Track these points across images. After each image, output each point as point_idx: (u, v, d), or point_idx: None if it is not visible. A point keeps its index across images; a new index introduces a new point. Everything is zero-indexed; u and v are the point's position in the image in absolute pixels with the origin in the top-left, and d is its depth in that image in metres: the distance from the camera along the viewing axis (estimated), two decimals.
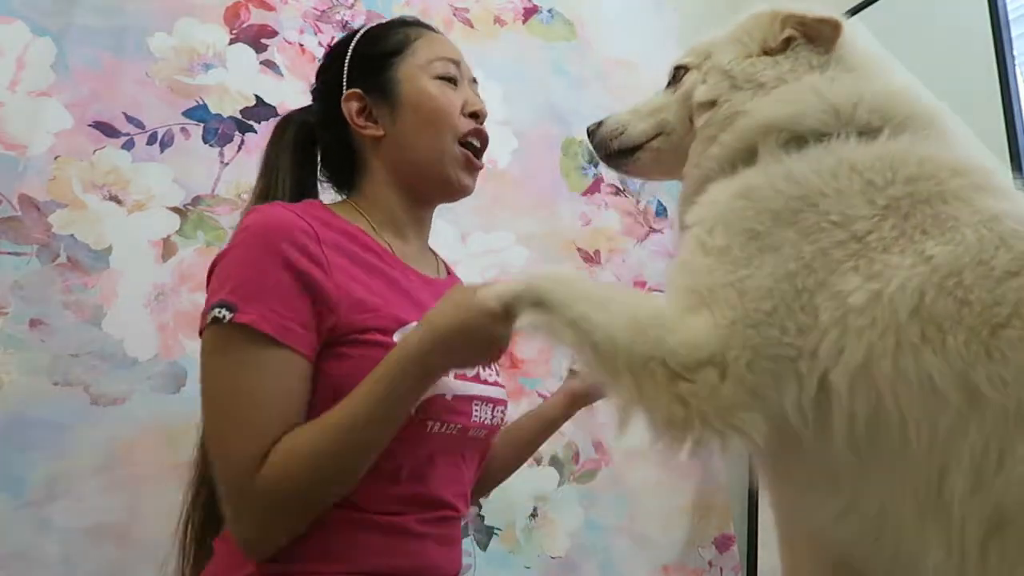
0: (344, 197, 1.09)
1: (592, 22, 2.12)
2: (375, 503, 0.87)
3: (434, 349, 0.82)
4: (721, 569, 1.82)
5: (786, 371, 0.63)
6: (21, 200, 1.33)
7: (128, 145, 1.45)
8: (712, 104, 0.85)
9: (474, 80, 1.09)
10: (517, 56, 1.96)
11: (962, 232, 0.63)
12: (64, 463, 1.25)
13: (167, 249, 1.43)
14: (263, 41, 1.64)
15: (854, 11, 1.93)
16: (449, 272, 1.16)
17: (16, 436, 1.23)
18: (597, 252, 1.92)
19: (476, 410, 0.96)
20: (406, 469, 0.90)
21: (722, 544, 1.84)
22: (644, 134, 0.95)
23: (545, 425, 1.21)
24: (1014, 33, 1.63)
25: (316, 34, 1.71)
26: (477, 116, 1.05)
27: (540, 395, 1.72)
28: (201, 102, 1.54)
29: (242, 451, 0.80)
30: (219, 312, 0.83)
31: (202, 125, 1.53)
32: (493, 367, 1.03)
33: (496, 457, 1.14)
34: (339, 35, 1.72)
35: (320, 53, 1.69)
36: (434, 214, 1.14)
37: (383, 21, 1.12)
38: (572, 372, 1.23)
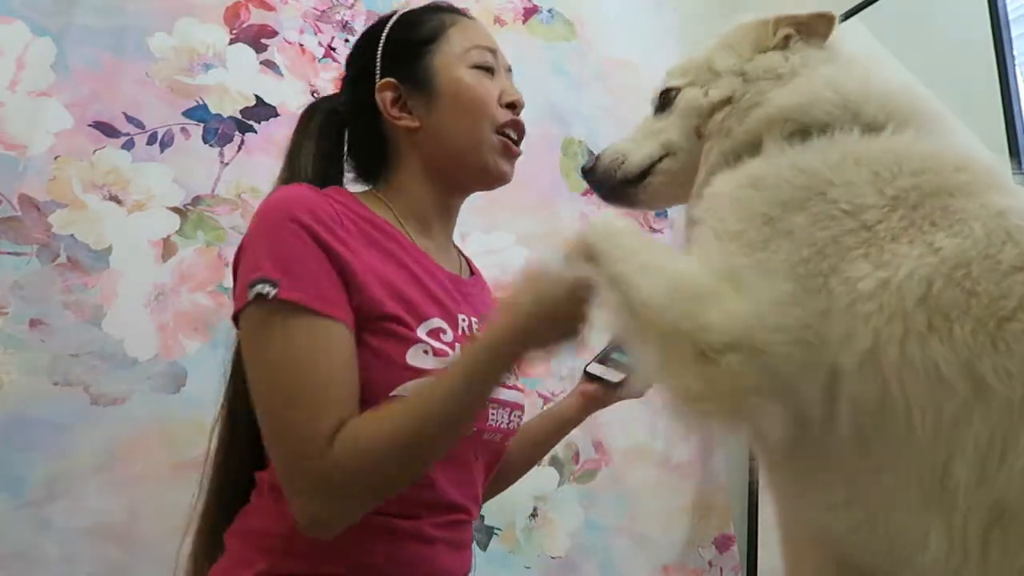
0: (370, 187, 1.06)
1: (592, 22, 2.12)
2: (389, 506, 0.85)
3: (519, 336, 0.80)
4: (721, 569, 1.82)
5: (807, 359, 0.63)
6: (21, 200, 1.33)
7: (128, 145, 1.45)
8: (729, 101, 0.84)
9: (509, 69, 1.07)
10: (517, 56, 1.94)
11: (970, 225, 0.63)
12: (64, 463, 1.26)
13: (167, 249, 1.43)
14: (263, 41, 1.64)
15: (854, 11, 1.94)
16: (473, 272, 1.13)
17: (16, 436, 1.23)
18: None
19: (493, 414, 0.95)
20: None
21: (722, 544, 1.84)
22: (649, 157, 0.90)
23: (558, 427, 1.19)
24: (1014, 33, 1.63)
25: (316, 34, 1.71)
26: (514, 106, 1.02)
27: (540, 395, 1.72)
28: (201, 102, 1.54)
29: (309, 428, 0.78)
30: (263, 288, 0.80)
31: (202, 125, 1.53)
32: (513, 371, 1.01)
33: (508, 460, 1.12)
34: (339, 35, 1.72)
35: (320, 53, 1.70)
36: None
37: (416, 6, 1.08)
38: (587, 375, 1.20)
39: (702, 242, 0.73)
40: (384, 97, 1.00)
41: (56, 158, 1.38)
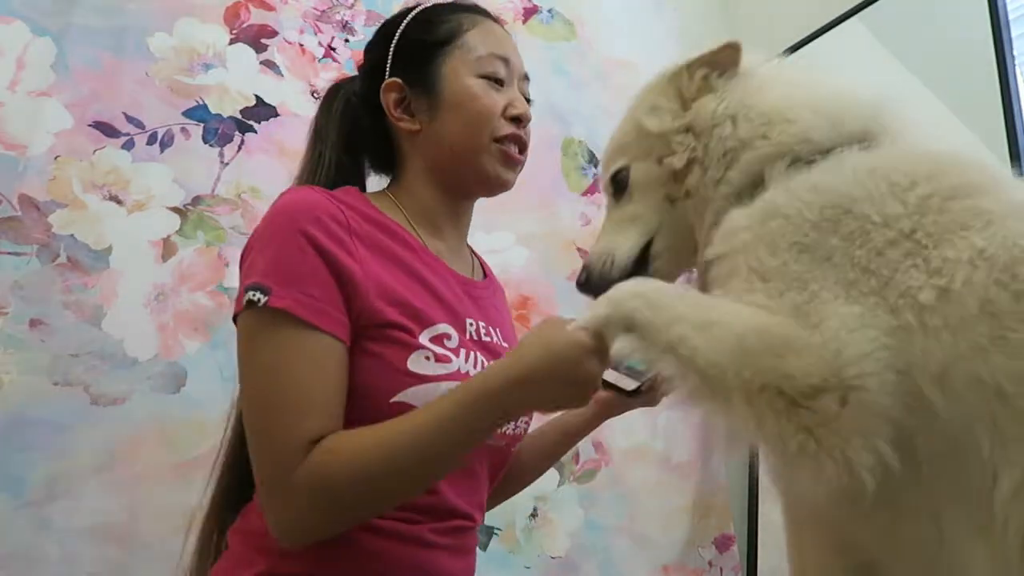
0: (386, 183, 1.06)
1: (592, 22, 2.12)
2: (390, 511, 0.85)
3: (517, 388, 0.77)
4: (721, 569, 1.82)
5: (900, 381, 0.60)
6: (21, 200, 1.33)
7: (128, 145, 1.45)
8: (692, 162, 0.82)
9: (525, 77, 1.05)
10: None
11: (1003, 224, 0.62)
12: (64, 463, 1.25)
13: (167, 249, 1.43)
14: (263, 41, 1.64)
15: (854, 11, 1.94)
16: (486, 274, 1.12)
17: (16, 436, 1.23)
18: None
19: None
20: None
21: (722, 544, 1.84)
22: (637, 245, 0.87)
23: (569, 435, 1.17)
24: (1014, 33, 1.62)
25: (316, 34, 1.71)
26: (519, 120, 1.00)
27: None
28: (201, 102, 1.54)
29: (287, 435, 0.78)
30: (253, 295, 0.81)
31: (202, 125, 1.53)
32: None
33: (516, 467, 1.11)
34: (339, 35, 1.73)
35: (320, 53, 1.70)
36: None
37: (437, 2, 1.05)
38: (602, 382, 1.18)
39: (745, 286, 0.69)
40: (388, 98, 0.99)
41: (56, 158, 1.38)
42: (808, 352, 0.61)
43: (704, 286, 0.81)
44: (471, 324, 0.95)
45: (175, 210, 1.46)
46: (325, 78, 1.68)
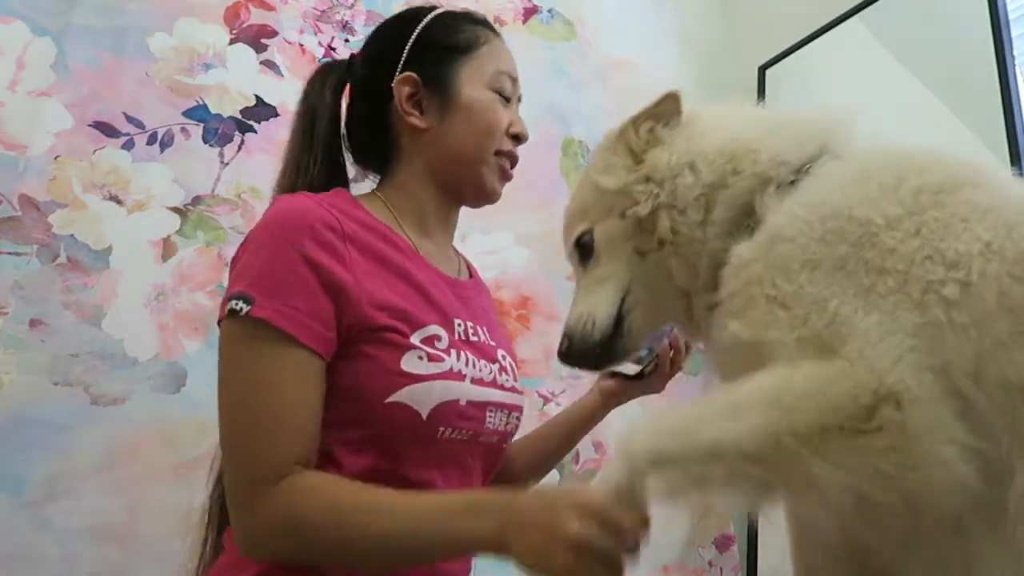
0: (373, 181, 1.06)
1: (592, 22, 2.12)
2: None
3: (497, 508, 0.73)
4: (721, 569, 1.82)
5: (938, 378, 0.58)
6: (21, 200, 1.33)
7: (128, 145, 1.45)
8: (657, 209, 0.81)
9: (520, 99, 1.08)
10: (517, 56, 1.95)
11: (999, 216, 0.62)
12: (64, 463, 1.25)
13: (167, 249, 1.43)
14: (263, 41, 1.64)
15: (854, 11, 1.93)
16: (472, 274, 1.13)
17: (16, 436, 1.23)
18: None
19: (490, 416, 0.94)
20: (415, 474, 0.88)
21: (722, 544, 1.84)
22: (614, 302, 0.85)
23: (576, 427, 1.16)
24: (1014, 33, 1.63)
25: (316, 34, 1.71)
26: (518, 138, 1.04)
27: (540, 395, 1.72)
28: (201, 102, 1.54)
29: (257, 460, 0.79)
30: (236, 304, 0.81)
31: (202, 125, 1.53)
32: (510, 372, 1.00)
33: (522, 465, 1.12)
34: (339, 35, 1.72)
35: (320, 53, 1.69)
36: None
37: (453, 10, 1.06)
38: (611, 372, 1.15)
39: (765, 317, 0.68)
40: (401, 91, 0.99)
41: (56, 158, 1.38)
42: (844, 377, 0.59)
43: (707, 328, 0.80)
44: (459, 324, 0.95)
45: (175, 210, 1.46)
46: None
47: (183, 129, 1.51)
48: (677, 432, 0.65)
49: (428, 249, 1.01)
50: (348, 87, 1.05)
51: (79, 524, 1.24)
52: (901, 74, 1.79)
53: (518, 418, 1.01)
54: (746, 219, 0.76)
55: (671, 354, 1.13)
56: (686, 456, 0.63)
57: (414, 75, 0.99)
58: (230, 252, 1.35)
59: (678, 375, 1.16)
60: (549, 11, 2.06)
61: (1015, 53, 1.61)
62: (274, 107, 1.60)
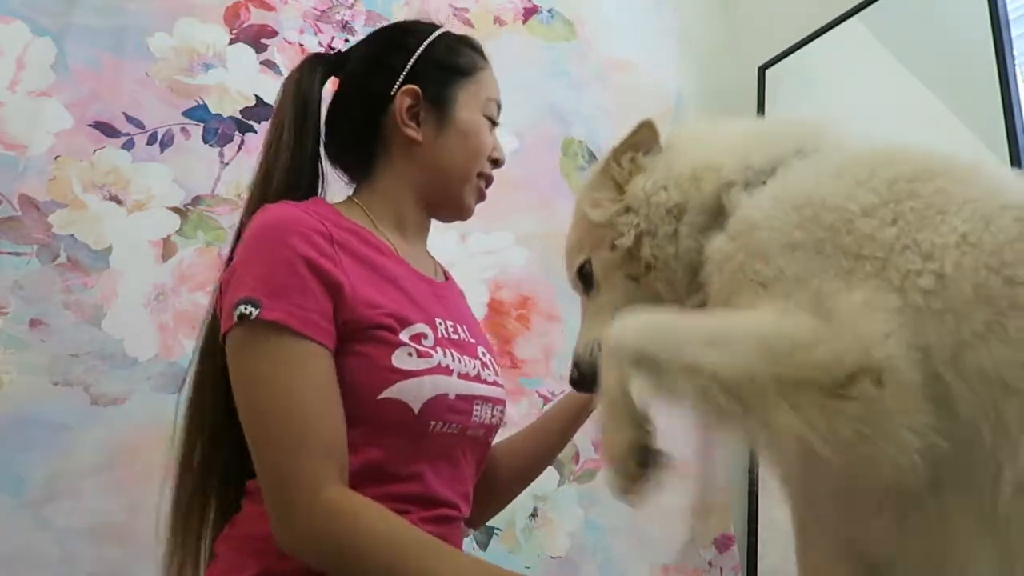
0: (351, 185, 1.08)
1: (592, 22, 2.12)
2: (380, 502, 0.85)
3: None
4: (721, 569, 1.82)
5: (920, 358, 0.59)
6: (21, 200, 1.33)
7: (128, 145, 1.45)
8: (641, 234, 0.85)
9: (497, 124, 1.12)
10: (517, 56, 1.96)
11: (976, 207, 0.62)
12: (64, 463, 1.26)
13: (167, 249, 1.43)
14: (263, 41, 1.64)
15: (854, 11, 1.93)
16: (447, 276, 1.16)
17: (16, 436, 1.23)
18: None
19: (477, 410, 0.96)
20: (405, 469, 0.90)
21: (722, 544, 1.84)
22: None
23: (575, 416, 1.16)
24: (1014, 33, 1.62)
25: (316, 34, 1.71)
26: (497, 163, 1.10)
27: (540, 395, 1.72)
28: (201, 102, 1.54)
29: (292, 474, 0.80)
30: (245, 309, 0.82)
31: (202, 125, 1.53)
32: (491, 368, 1.03)
33: (506, 472, 1.13)
34: (339, 35, 1.73)
35: None
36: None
37: (453, 32, 1.10)
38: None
39: (748, 299, 0.69)
40: (404, 100, 1.01)
41: (56, 158, 1.38)
42: (833, 340, 0.60)
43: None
44: (440, 323, 0.97)
45: (175, 210, 1.46)
46: None
47: (183, 129, 1.51)
48: (663, 341, 0.66)
49: (406, 251, 1.04)
50: (337, 82, 1.07)
51: (79, 524, 1.24)
52: (901, 74, 1.79)
53: (502, 411, 1.04)
54: (717, 220, 0.78)
55: None
56: (665, 365, 0.65)
57: (417, 88, 1.02)
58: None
59: None
60: (549, 11, 2.06)
61: (1015, 53, 1.61)
62: (274, 107, 1.60)
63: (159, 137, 1.48)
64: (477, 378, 0.98)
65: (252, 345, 0.83)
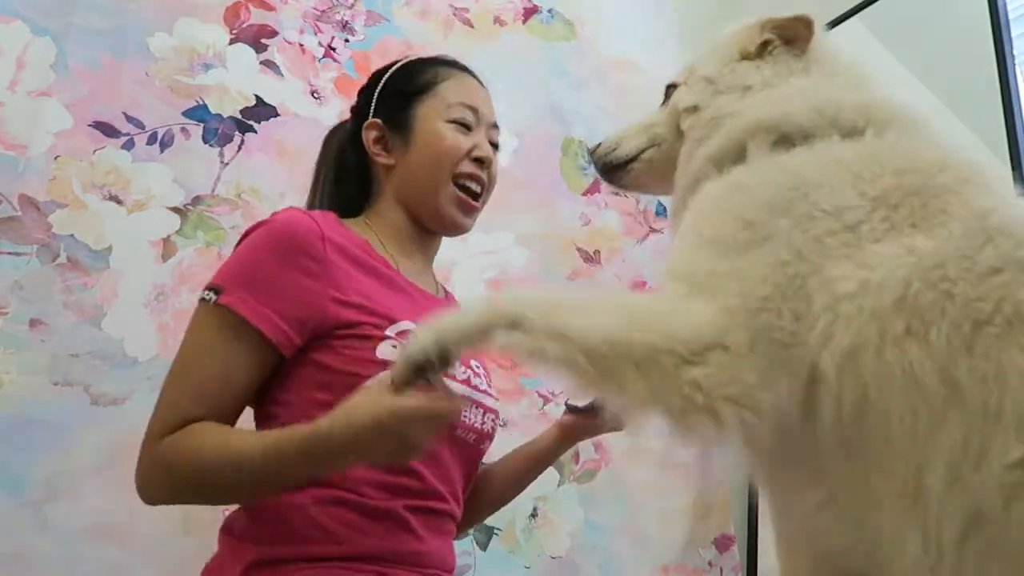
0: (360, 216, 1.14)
1: (592, 22, 2.12)
2: (363, 487, 0.90)
3: (343, 442, 0.79)
4: (721, 569, 1.82)
5: (782, 358, 0.63)
6: (21, 200, 1.33)
7: (128, 145, 1.45)
8: (695, 109, 0.89)
9: (494, 125, 1.15)
10: (517, 56, 1.96)
11: (950, 227, 0.63)
12: (64, 463, 1.25)
13: (167, 249, 1.43)
14: (263, 41, 1.64)
15: (854, 11, 1.93)
16: (447, 294, 1.20)
17: (16, 436, 1.23)
18: (597, 252, 1.92)
19: (465, 412, 0.98)
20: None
21: (722, 544, 1.84)
22: (636, 148, 1.00)
23: (535, 461, 1.20)
24: (1014, 33, 1.63)
25: (316, 34, 1.71)
26: (481, 161, 1.10)
27: (540, 395, 1.72)
28: (201, 102, 1.54)
29: (165, 411, 0.88)
30: (206, 294, 0.91)
31: (202, 125, 1.53)
32: (483, 377, 1.07)
33: (486, 489, 1.15)
34: (339, 35, 1.73)
35: (320, 53, 1.70)
36: None
37: (422, 56, 1.19)
38: (568, 407, 1.19)
39: (681, 243, 0.74)
40: (368, 135, 1.11)
41: (56, 158, 1.37)
42: (700, 316, 0.65)
43: None
44: None
45: (175, 210, 1.46)
46: (325, 78, 1.68)
47: (183, 129, 1.51)
48: (540, 305, 0.70)
49: (407, 268, 1.08)
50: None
51: (79, 524, 1.24)
52: (901, 74, 1.79)
53: (494, 420, 1.06)
54: (736, 159, 0.80)
55: None
56: (537, 328, 0.68)
57: (378, 120, 1.11)
58: (230, 252, 1.35)
59: None
60: (549, 11, 2.06)
61: (1015, 53, 1.61)
62: (274, 107, 1.60)
63: (159, 137, 1.48)
64: (467, 382, 1.00)
65: (198, 321, 0.91)
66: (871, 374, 0.60)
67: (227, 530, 0.94)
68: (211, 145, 1.52)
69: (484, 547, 1.57)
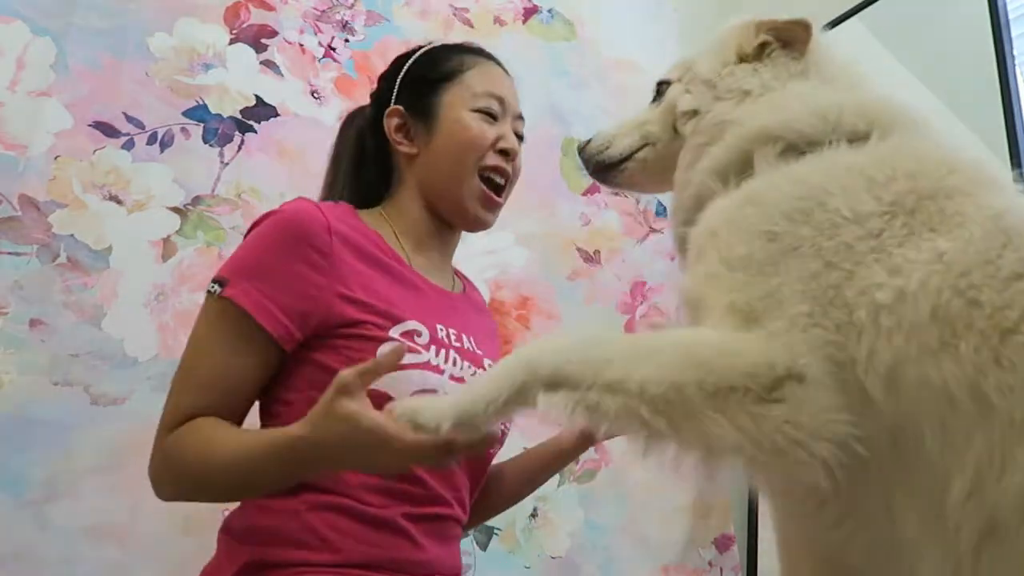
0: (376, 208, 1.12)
1: (592, 22, 2.12)
2: (362, 492, 0.89)
3: (319, 456, 0.79)
4: (721, 569, 1.82)
5: (843, 379, 0.61)
6: (21, 200, 1.33)
7: (128, 145, 1.45)
8: (695, 113, 0.88)
9: (519, 116, 1.13)
10: (517, 56, 1.95)
11: (969, 229, 0.62)
12: (64, 463, 1.25)
13: (167, 249, 1.43)
14: (263, 41, 1.64)
15: (854, 11, 1.93)
16: (465, 288, 1.18)
17: (16, 436, 1.23)
18: (597, 252, 1.92)
19: None
20: None
21: (722, 544, 1.84)
22: (629, 147, 0.98)
23: (554, 459, 1.18)
24: (1014, 33, 1.62)
25: (316, 34, 1.71)
26: (506, 153, 1.07)
27: None
28: (201, 102, 1.54)
29: (172, 404, 0.89)
30: (212, 287, 0.91)
31: (202, 125, 1.53)
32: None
33: (498, 488, 1.14)
34: (339, 35, 1.73)
35: (320, 53, 1.69)
36: None
37: (447, 43, 1.16)
38: None
39: (709, 270, 0.70)
40: (390, 123, 1.09)
41: (56, 158, 1.37)
42: (761, 346, 0.62)
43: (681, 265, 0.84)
44: (441, 329, 0.98)
45: (175, 210, 1.46)
46: (325, 78, 1.68)
47: (183, 129, 1.51)
48: (585, 359, 0.65)
49: (421, 263, 1.06)
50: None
51: (79, 524, 1.24)
52: (901, 74, 1.79)
53: (505, 425, 1.02)
54: (741, 171, 0.78)
55: None
56: (587, 383, 0.63)
57: (400, 107, 1.08)
58: (230, 252, 1.36)
59: None
60: (549, 11, 2.06)
61: (1015, 53, 1.61)
62: (274, 107, 1.60)
63: (159, 137, 1.48)
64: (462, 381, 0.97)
65: (204, 313, 0.91)
66: (909, 391, 0.59)
67: (226, 529, 0.94)
68: (211, 145, 1.52)
69: (484, 547, 1.56)
